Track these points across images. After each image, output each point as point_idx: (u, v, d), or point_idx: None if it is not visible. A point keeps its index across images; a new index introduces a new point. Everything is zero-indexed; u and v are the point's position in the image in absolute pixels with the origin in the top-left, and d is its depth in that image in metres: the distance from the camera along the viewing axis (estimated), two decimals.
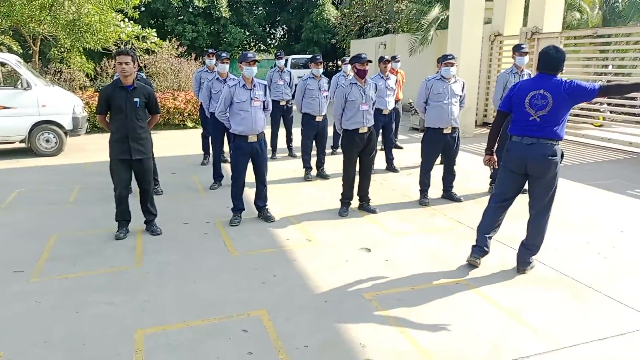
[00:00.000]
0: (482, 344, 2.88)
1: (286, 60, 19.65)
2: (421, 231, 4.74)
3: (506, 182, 3.84)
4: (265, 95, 4.91)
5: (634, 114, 9.48)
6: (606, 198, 5.82)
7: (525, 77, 5.80)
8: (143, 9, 21.26)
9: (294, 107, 7.47)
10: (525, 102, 3.56)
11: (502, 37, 11.41)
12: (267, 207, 5.12)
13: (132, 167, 4.48)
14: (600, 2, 14.21)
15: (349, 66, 6.33)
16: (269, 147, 5.85)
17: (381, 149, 7.43)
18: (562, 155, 3.65)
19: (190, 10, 23.72)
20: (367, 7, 20.61)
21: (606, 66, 11.35)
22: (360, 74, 5.05)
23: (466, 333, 3.00)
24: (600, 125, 10.52)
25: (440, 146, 5.59)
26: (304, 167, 6.81)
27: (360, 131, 5.09)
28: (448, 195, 5.77)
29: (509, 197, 3.88)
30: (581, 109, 10.35)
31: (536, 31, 10.32)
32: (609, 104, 10.39)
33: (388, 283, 3.66)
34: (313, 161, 6.85)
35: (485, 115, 11.71)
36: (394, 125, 7.68)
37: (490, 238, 3.92)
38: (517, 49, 5.79)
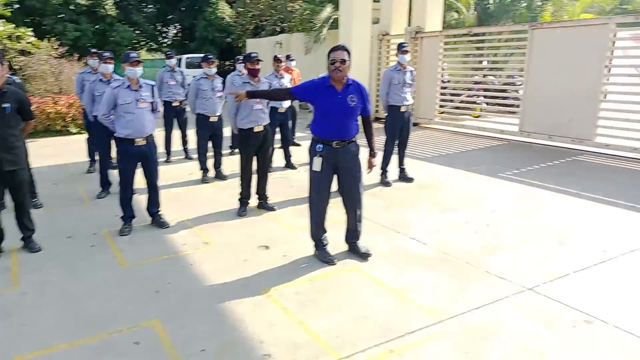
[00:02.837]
0: (373, 325, 3.05)
1: (179, 60, 19.07)
2: None
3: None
4: (153, 96, 4.73)
5: (505, 105, 10.54)
6: (481, 181, 6.41)
7: (408, 74, 6.22)
8: (17, 6, 19.28)
9: (188, 108, 7.28)
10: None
11: (389, 36, 12.04)
12: (160, 212, 4.95)
13: (4, 179, 4.08)
14: (475, 4, 15.53)
15: (242, 65, 6.34)
16: (162, 150, 5.65)
17: (279, 147, 7.50)
18: None
19: (72, 7, 21.99)
20: (261, 6, 20.57)
21: (481, 62, 12.48)
22: (252, 73, 5.08)
23: (359, 317, 3.16)
24: (477, 116, 11.53)
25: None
26: (200, 169, 6.67)
27: (256, 130, 5.10)
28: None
29: None
30: (461, 102, 11.28)
31: (419, 30, 11.03)
32: (485, 97, 11.43)
33: (286, 278, 3.73)
34: (210, 162, 6.73)
35: (376, 111, 12.29)
36: (290, 122, 7.78)
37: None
38: (400, 48, 6.16)
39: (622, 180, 6.31)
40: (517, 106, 9.35)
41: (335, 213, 4.34)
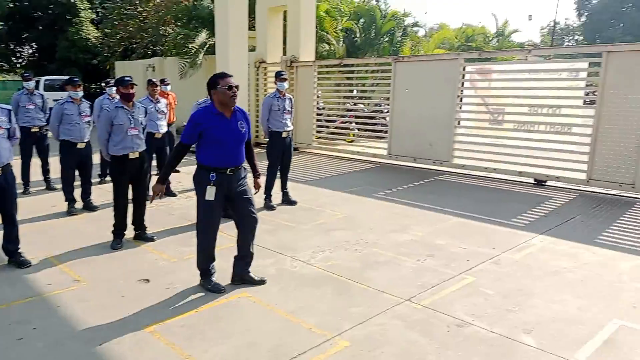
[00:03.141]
0: (263, 351, 3.04)
1: (37, 82, 17.32)
2: None
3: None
4: (10, 121, 4.27)
5: (374, 131, 11.37)
6: (358, 201, 6.79)
7: (287, 101, 6.42)
8: None
9: (50, 134, 6.64)
10: None
11: (266, 64, 12.32)
12: (20, 250, 4.41)
13: None
14: (343, 37, 16.60)
15: (114, 88, 6.00)
16: (20, 180, 5.06)
17: (156, 174, 7.15)
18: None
19: None
20: (131, 29, 19.68)
21: (352, 91, 13.35)
22: (126, 98, 4.84)
23: (249, 343, 3.12)
24: (351, 141, 12.24)
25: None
26: (66, 200, 6.09)
27: (130, 157, 4.84)
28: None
29: None
30: (336, 127, 11.89)
31: (294, 59, 11.46)
32: (357, 124, 12.20)
33: (171, 311, 3.55)
34: (77, 192, 6.18)
35: (257, 136, 12.39)
36: (168, 148, 7.50)
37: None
38: (278, 76, 6.34)
39: (477, 196, 7.14)
40: (386, 132, 10.13)
41: (223, 241, 4.27)
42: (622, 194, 6.94)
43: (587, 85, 8.32)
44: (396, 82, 9.58)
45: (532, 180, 7.86)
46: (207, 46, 14.09)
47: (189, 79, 14.02)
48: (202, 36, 14.11)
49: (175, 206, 6.48)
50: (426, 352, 3.05)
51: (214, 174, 3.69)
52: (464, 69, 8.80)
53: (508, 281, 4.10)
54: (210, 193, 3.70)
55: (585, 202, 6.69)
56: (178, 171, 8.44)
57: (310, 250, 4.81)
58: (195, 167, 3.78)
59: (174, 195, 7.01)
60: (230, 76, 3.73)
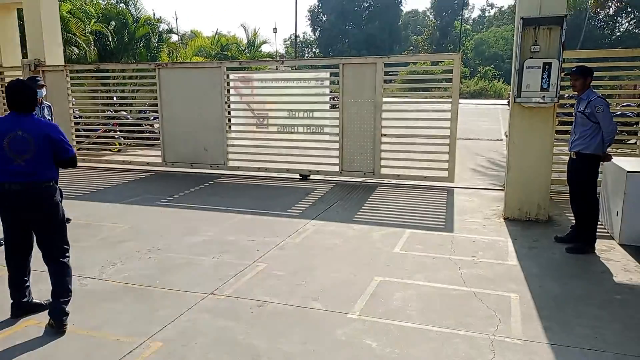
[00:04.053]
0: None
1: None
2: None
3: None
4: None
5: (142, 138, 11.01)
6: (140, 211, 6.60)
7: (46, 110, 5.81)
8: None
9: None
10: (5, 145, 3.23)
11: (2, 67, 10.61)
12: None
13: None
14: (94, 40, 15.38)
15: None
16: None
17: None
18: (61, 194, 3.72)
19: None
20: None
21: (111, 97, 12.56)
22: None
23: None
24: (118, 151, 11.54)
25: None
26: None
27: None
28: None
29: None
30: (98, 137, 11.03)
31: (39, 64, 10.16)
32: (121, 131, 11.55)
33: None
34: None
35: None
36: None
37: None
38: (33, 81, 5.66)
39: (255, 194, 7.73)
40: (156, 139, 9.93)
41: None
42: (366, 180, 8.49)
43: (330, 92, 9.82)
44: (162, 88, 9.50)
45: (298, 176, 8.90)
46: None
47: None
48: None
49: None
50: (236, 333, 3.35)
51: None
52: (227, 76, 9.32)
53: (294, 262, 4.71)
54: None
55: (341, 190, 7.96)
56: None
57: (99, 266, 4.55)
58: None
59: None
60: None
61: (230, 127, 9.42)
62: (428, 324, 3.48)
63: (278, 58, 11.72)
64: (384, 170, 8.29)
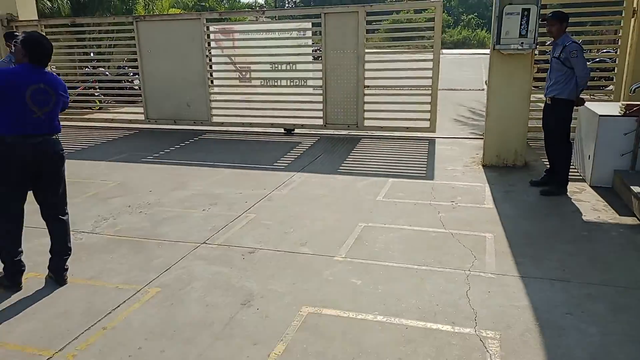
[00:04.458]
0: (74, 316, 3.06)
1: None
2: None
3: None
4: None
5: (123, 95, 10.89)
6: (128, 168, 6.68)
7: None
8: None
9: None
10: (27, 97, 3.19)
11: None
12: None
13: None
14: None
15: None
16: None
17: None
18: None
19: None
20: None
21: (88, 53, 12.25)
22: None
23: (57, 313, 3.07)
24: (99, 108, 11.41)
25: None
26: None
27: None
28: None
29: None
30: (78, 95, 10.87)
31: (12, 18, 9.84)
32: (100, 88, 11.38)
33: None
34: None
35: None
36: None
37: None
38: (10, 37, 5.58)
39: (241, 149, 7.81)
40: (138, 95, 9.84)
41: None
42: (350, 133, 8.61)
43: (313, 43, 9.73)
44: (141, 43, 9.32)
45: (282, 130, 8.97)
46: None
47: None
48: None
49: None
50: (230, 277, 3.56)
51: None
52: (207, 28, 9.16)
53: (282, 212, 4.89)
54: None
55: (325, 143, 8.08)
56: None
57: (92, 221, 4.69)
58: None
59: None
60: None
61: (212, 81, 9.35)
62: (409, 262, 3.72)
63: (258, 8, 11.43)
64: (367, 123, 8.41)
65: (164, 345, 2.78)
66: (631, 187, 4.74)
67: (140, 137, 8.99)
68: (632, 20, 7.12)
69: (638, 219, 4.46)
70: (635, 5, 7.07)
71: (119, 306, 3.17)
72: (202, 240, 4.21)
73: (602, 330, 2.86)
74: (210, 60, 9.23)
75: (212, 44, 9.43)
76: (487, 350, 2.70)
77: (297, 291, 3.35)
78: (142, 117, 9.66)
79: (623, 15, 7.27)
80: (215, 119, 9.24)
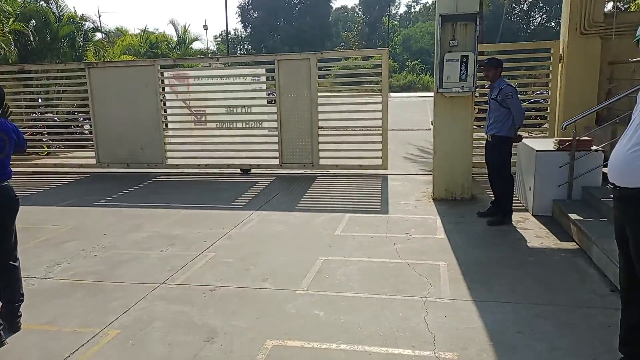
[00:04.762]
0: None
1: None
2: None
3: None
4: None
5: (72, 140, 10.67)
6: (79, 212, 6.51)
7: None
8: None
9: None
10: None
11: None
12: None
13: None
14: (14, 40, 14.57)
15: None
16: None
17: None
18: None
19: None
20: None
21: (35, 99, 12.00)
22: None
23: None
24: (47, 154, 11.09)
25: None
26: None
27: None
28: None
29: None
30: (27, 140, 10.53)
31: None
32: (48, 134, 11.10)
33: None
34: None
35: None
36: None
37: None
38: None
39: (197, 190, 7.80)
40: (88, 140, 9.69)
41: None
42: (306, 172, 8.80)
43: (267, 87, 10.02)
44: (93, 88, 9.29)
45: (239, 170, 9.05)
46: None
47: None
48: None
49: None
50: (192, 315, 3.54)
51: None
52: (161, 74, 9.27)
53: (241, 249, 4.92)
54: None
55: (282, 182, 8.22)
56: None
57: (45, 266, 4.55)
58: None
59: None
60: None
61: (167, 125, 9.38)
62: (369, 292, 3.84)
63: (211, 55, 11.69)
64: (322, 161, 8.64)
65: None
66: (569, 214, 5.12)
67: (91, 181, 8.80)
68: (560, 65, 7.86)
69: (577, 243, 4.81)
70: (561, 51, 7.82)
71: (77, 349, 3.08)
72: (161, 281, 4.17)
73: (550, 346, 3.05)
74: (164, 104, 9.29)
75: (167, 88, 9.53)
76: None
77: (261, 325, 3.37)
78: (93, 161, 9.48)
79: (552, 60, 8.01)
80: (170, 162, 9.22)
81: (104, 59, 18.69)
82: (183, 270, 4.39)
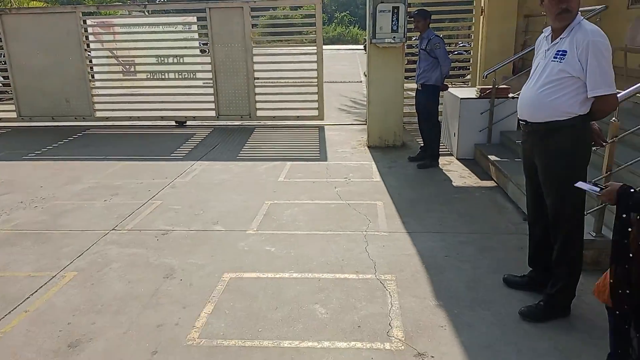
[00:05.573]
0: None
1: None
2: None
3: None
4: None
5: None
6: (9, 166, 6.23)
7: None
8: None
9: None
10: None
11: None
12: None
13: None
14: None
15: None
16: None
17: None
18: None
19: None
20: None
21: None
22: None
23: None
24: None
25: None
26: None
27: None
28: None
29: None
30: None
31: None
32: None
33: None
34: None
35: None
36: None
37: None
38: None
39: (132, 142, 7.63)
40: (5, 92, 9.03)
41: None
42: (244, 124, 8.85)
43: (200, 36, 9.74)
44: (7, 37, 8.59)
45: (173, 123, 8.91)
46: None
47: None
48: None
49: None
50: (147, 256, 3.69)
51: None
52: (84, 22, 8.73)
53: (188, 197, 5.04)
54: None
55: (221, 133, 8.24)
56: None
57: None
58: None
59: None
60: None
61: (93, 76, 8.94)
62: (315, 230, 4.16)
63: (139, 1, 11.00)
64: (260, 113, 8.72)
65: (93, 318, 2.88)
66: (489, 156, 5.70)
67: (15, 135, 8.31)
68: (481, 17, 8.36)
69: (495, 181, 5.40)
70: (482, 4, 8.31)
71: (36, 291, 3.16)
72: (110, 228, 4.23)
73: (473, 266, 3.55)
74: (89, 54, 8.82)
75: (91, 37, 9.01)
76: (386, 289, 3.22)
77: (217, 262, 3.60)
78: (13, 114, 8.90)
79: (474, 13, 8.49)
80: (99, 114, 8.87)
81: (10, 5, 17.05)
82: (131, 217, 4.46)
